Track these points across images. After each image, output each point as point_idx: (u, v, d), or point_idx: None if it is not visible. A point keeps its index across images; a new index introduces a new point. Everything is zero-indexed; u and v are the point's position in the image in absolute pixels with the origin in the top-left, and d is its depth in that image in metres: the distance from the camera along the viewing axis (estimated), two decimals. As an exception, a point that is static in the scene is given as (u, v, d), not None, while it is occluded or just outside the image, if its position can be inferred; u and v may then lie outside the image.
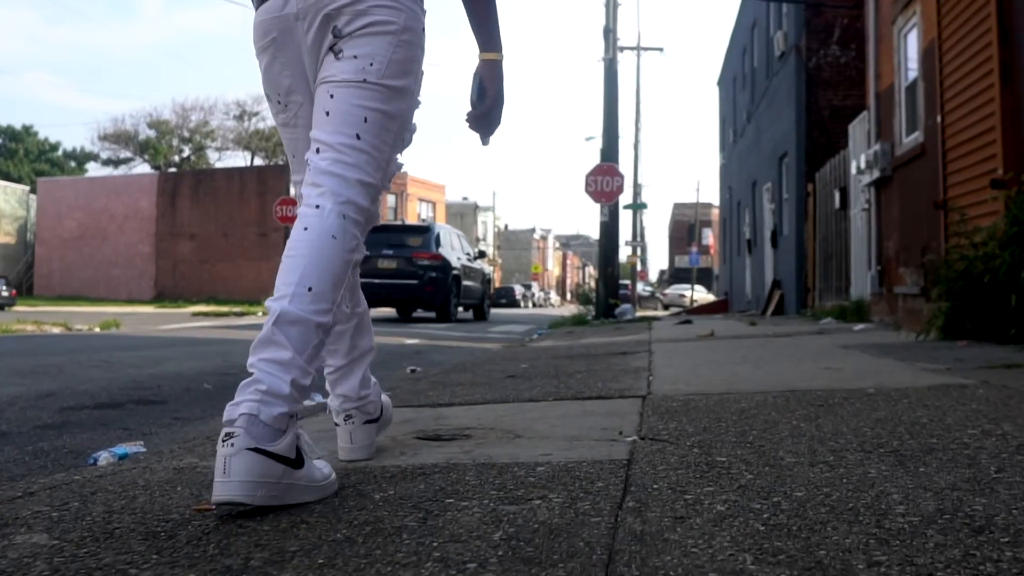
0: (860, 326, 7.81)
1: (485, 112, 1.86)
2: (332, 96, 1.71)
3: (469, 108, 1.89)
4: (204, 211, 43.42)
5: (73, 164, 63.87)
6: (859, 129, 10.18)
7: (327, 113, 1.71)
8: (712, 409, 2.58)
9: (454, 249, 17.19)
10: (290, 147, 1.91)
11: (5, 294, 33.14)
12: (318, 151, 1.71)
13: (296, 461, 1.56)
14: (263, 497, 1.49)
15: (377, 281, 14.80)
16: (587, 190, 16.92)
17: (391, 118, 1.74)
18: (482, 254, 19.78)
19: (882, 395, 2.75)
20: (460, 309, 17.28)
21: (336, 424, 2.03)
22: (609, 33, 17.05)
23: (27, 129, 63.66)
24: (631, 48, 39.51)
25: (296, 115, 1.84)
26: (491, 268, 21.84)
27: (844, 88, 13.76)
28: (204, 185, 47.11)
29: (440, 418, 2.76)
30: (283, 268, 1.63)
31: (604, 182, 16.77)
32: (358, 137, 1.70)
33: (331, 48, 1.72)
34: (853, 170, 9.86)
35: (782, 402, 2.68)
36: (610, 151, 17.22)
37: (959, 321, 5.40)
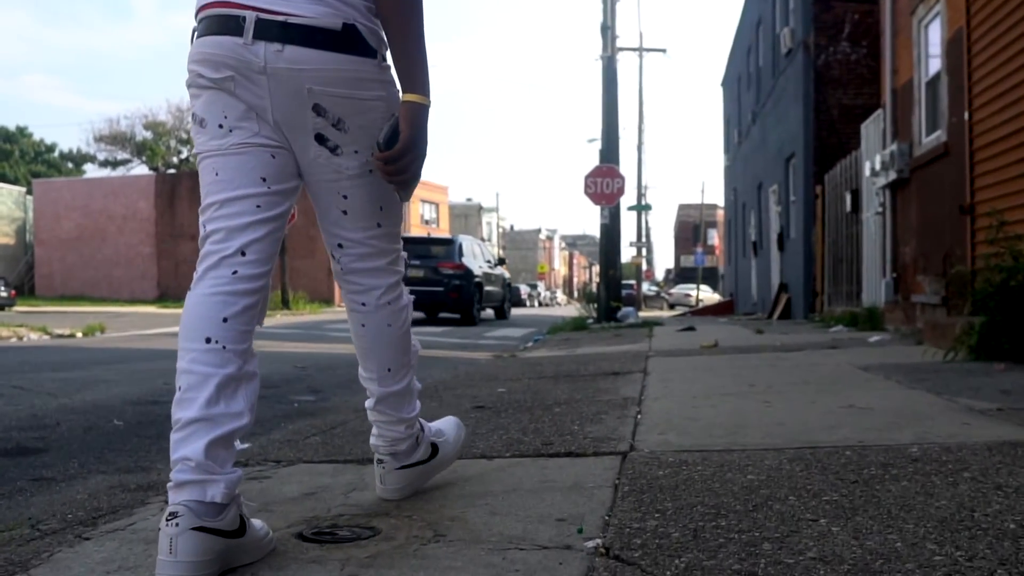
0: (875, 337, 7.17)
1: (395, 157, 1.65)
2: (346, 197, 1.75)
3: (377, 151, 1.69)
4: (206, 211, 42.89)
5: (70, 165, 63.29)
6: (873, 128, 9.53)
7: (344, 212, 1.78)
8: (709, 485, 1.95)
9: (476, 258, 18.71)
10: (212, 168, 1.68)
11: (4, 294, 32.78)
12: (341, 246, 1.83)
13: None
14: None
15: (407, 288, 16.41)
16: (586, 192, 16.33)
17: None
18: (502, 261, 21.53)
19: (931, 460, 2.12)
20: (484, 311, 18.96)
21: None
22: (607, 30, 16.40)
23: (22, 130, 63.11)
24: (633, 49, 38.89)
25: (240, 143, 1.66)
26: (510, 274, 24.09)
27: (855, 86, 13.12)
28: (204, 185, 46.48)
29: (356, 488, 2.13)
30: (361, 354, 1.95)
31: (604, 184, 16.15)
32: (379, 225, 1.82)
33: (320, 139, 1.67)
34: (866, 172, 9.21)
35: (801, 472, 2.05)
36: (610, 152, 16.57)
37: (995, 339, 4.76)
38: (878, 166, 8.53)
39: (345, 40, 1.61)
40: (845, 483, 1.89)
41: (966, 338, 4.90)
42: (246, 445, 1.73)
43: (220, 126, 1.65)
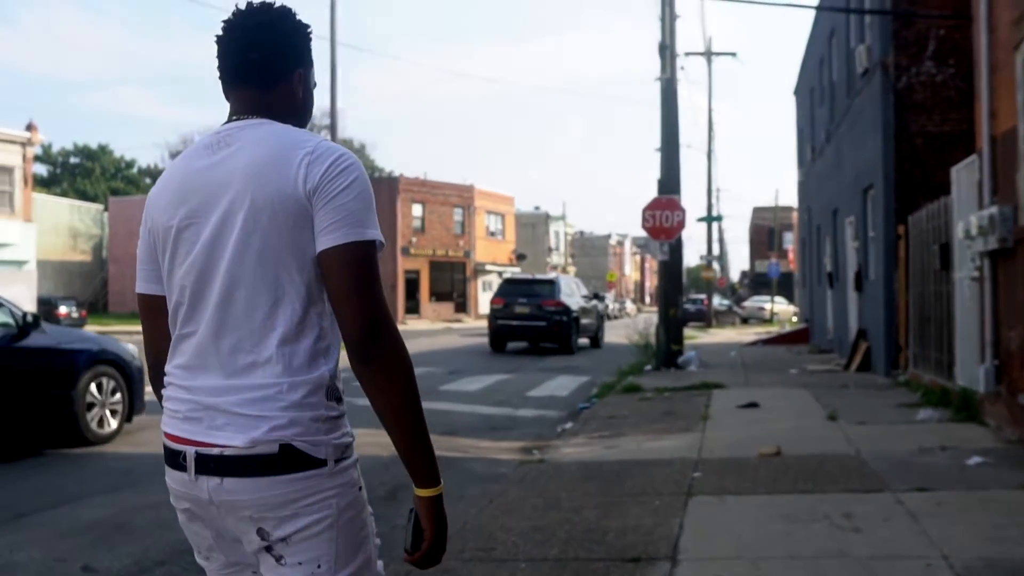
0: (975, 459, 5.87)
1: (426, 558, 1.65)
2: None
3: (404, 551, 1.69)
4: (269, 229, 43.03)
5: (148, 181, 64.62)
6: (966, 175, 8.16)
7: None
8: None
9: (572, 295, 21.38)
10: None
11: (75, 316, 33.30)
12: None
13: None
14: None
15: (515, 323, 20.09)
16: (644, 226, 15.27)
17: None
18: (597, 296, 25.01)
19: None
20: (580, 340, 21.53)
21: None
22: (666, 50, 15.17)
23: (103, 148, 64.76)
24: (701, 54, 37.37)
25: (221, 568, 1.74)
26: (609, 305, 27.02)
27: (940, 111, 11.62)
28: (268, 203, 46.70)
29: None
30: None
31: (663, 217, 15.01)
32: None
33: (267, 549, 1.64)
34: (959, 233, 7.85)
35: None
36: (669, 181, 15.36)
37: None
38: (974, 230, 7.19)
39: (284, 461, 1.59)
40: None
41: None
42: None
43: (198, 551, 1.75)
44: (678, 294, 15.94)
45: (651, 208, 15.03)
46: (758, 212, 75.04)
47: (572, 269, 70.92)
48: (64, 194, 54.48)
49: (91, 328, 33.44)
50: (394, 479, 6.48)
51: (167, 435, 1.69)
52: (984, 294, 7.33)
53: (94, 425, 7.48)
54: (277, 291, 1.62)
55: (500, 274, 53.13)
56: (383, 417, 1.61)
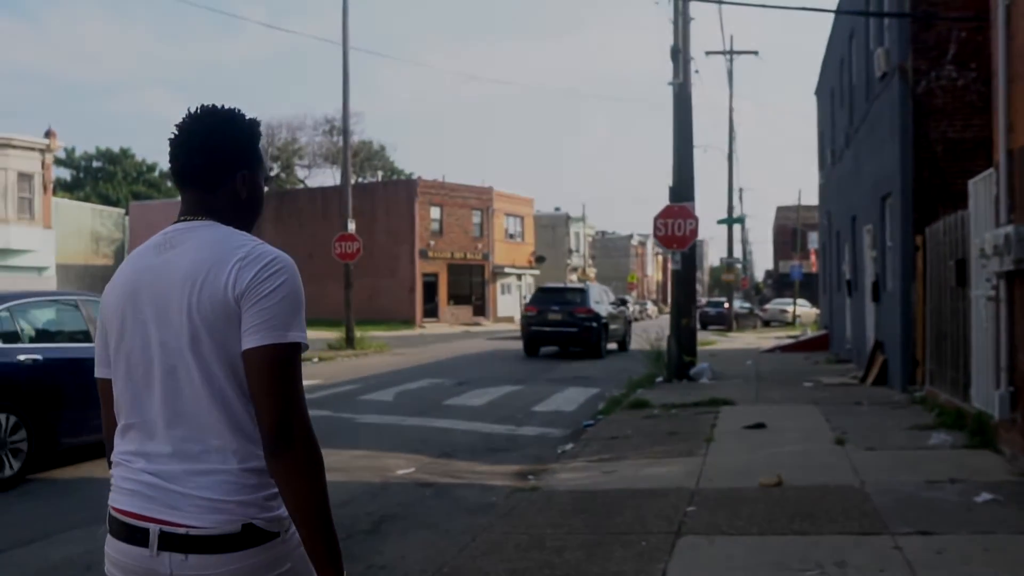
0: (985, 496, 5.54)
1: None
2: None
3: None
4: (288, 231, 43.20)
5: (170, 184, 64.99)
6: (983, 189, 7.81)
7: None
8: None
9: (601, 302, 22.39)
10: None
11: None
12: None
13: None
14: None
15: (548, 329, 21.25)
16: (656, 235, 14.98)
17: None
18: (623, 301, 26.85)
19: None
20: (609, 344, 22.56)
21: None
22: (678, 54, 14.84)
23: (125, 152, 65.24)
24: (722, 52, 36.94)
25: None
26: (631, 309, 28.22)
27: (962, 116, 11.22)
28: (287, 206, 46.98)
29: None
30: None
31: (675, 226, 14.69)
32: None
33: None
34: (975, 251, 7.51)
35: None
36: (681, 189, 15.03)
37: None
38: (989, 249, 6.85)
39: (246, 538, 1.71)
40: None
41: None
42: None
43: None
44: (691, 303, 15.60)
45: (663, 216, 14.72)
46: (782, 211, 74.37)
47: (592, 271, 70.49)
48: (86, 198, 54.93)
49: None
50: (380, 510, 6.26)
51: (121, 511, 1.75)
52: (1000, 314, 6.99)
53: None
54: (217, 386, 1.74)
55: (519, 277, 52.90)
56: (288, 507, 1.72)
